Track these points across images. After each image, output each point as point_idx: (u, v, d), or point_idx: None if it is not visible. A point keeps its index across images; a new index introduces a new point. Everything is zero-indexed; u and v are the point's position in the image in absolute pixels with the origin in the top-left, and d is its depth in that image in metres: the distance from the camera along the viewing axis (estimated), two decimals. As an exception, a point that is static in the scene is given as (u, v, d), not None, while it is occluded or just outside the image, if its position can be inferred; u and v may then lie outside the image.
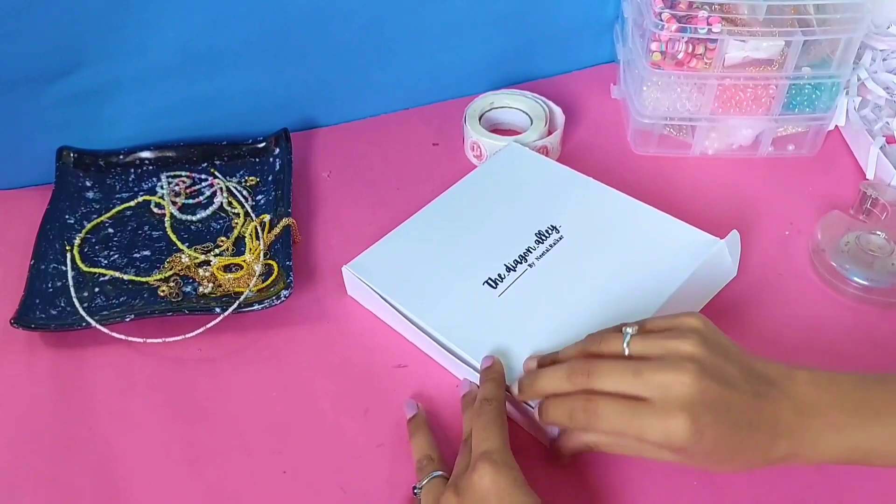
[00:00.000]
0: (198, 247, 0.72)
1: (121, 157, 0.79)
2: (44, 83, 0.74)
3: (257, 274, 0.68)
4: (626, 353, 0.50)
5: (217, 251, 0.71)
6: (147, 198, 0.76)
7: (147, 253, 0.72)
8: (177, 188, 0.77)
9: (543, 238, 0.67)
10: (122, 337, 0.64)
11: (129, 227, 0.74)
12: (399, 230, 0.70)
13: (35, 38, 0.70)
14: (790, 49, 0.73)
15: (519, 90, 0.85)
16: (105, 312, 0.66)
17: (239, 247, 0.72)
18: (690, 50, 0.74)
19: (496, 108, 0.84)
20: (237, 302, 0.65)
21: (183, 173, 0.79)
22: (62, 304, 0.67)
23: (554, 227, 0.68)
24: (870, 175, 0.78)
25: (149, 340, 0.64)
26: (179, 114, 0.80)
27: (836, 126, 0.83)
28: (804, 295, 0.68)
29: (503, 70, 0.88)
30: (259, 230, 0.71)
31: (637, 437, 0.49)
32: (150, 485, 0.57)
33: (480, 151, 0.80)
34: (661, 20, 0.72)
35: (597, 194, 0.71)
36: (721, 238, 0.65)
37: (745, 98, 0.77)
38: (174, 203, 0.76)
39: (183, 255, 0.70)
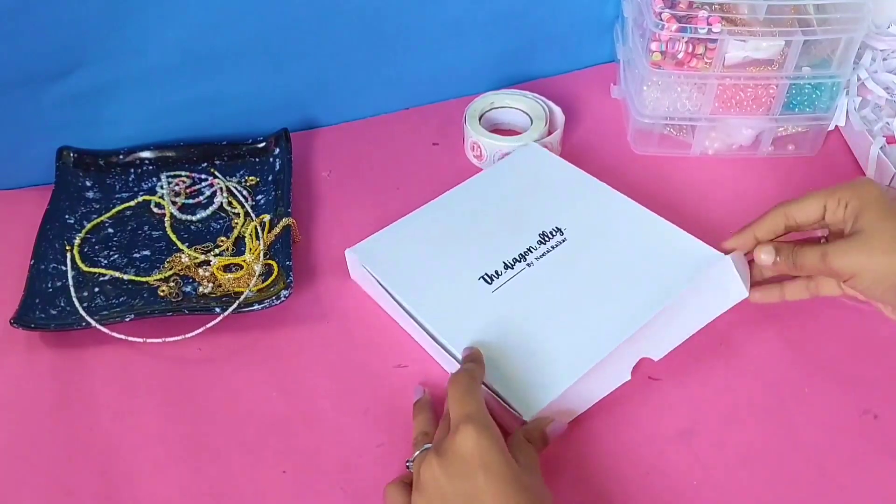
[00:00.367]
0: (198, 247, 0.72)
1: (121, 157, 0.79)
2: (44, 83, 0.74)
3: (257, 274, 0.68)
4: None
5: (217, 251, 0.71)
6: (147, 198, 0.76)
7: (147, 253, 0.72)
8: (177, 188, 0.77)
9: (546, 239, 0.67)
10: (122, 337, 0.64)
11: (129, 227, 0.74)
12: (406, 219, 0.70)
13: (35, 38, 0.70)
14: (790, 49, 0.73)
15: (519, 90, 0.84)
16: (105, 312, 0.66)
17: (239, 247, 0.72)
18: (691, 50, 0.74)
19: (496, 108, 0.84)
20: (237, 302, 0.65)
21: (183, 173, 0.79)
22: (62, 304, 0.67)
23: (558, 229, 0.68)
24: (870, 175, 0.78)
25: (149, 340, 0.64)
26: (179, 114, 0.80)
27: (837, 126, 0.83)
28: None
29: (503, 70, 0.88)
30: (259, 230, 0.71)
31: (824, 195, 0.59)
32: (150, 485, 0.57)
33: (480, 151, 0.80)
34: (662, 20, 0.72)
35: (607, 200, 0.70)
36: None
37: (745, 98, 0.77)
38: (174, 203, 0.76)
39: (183, 255, 0.70)
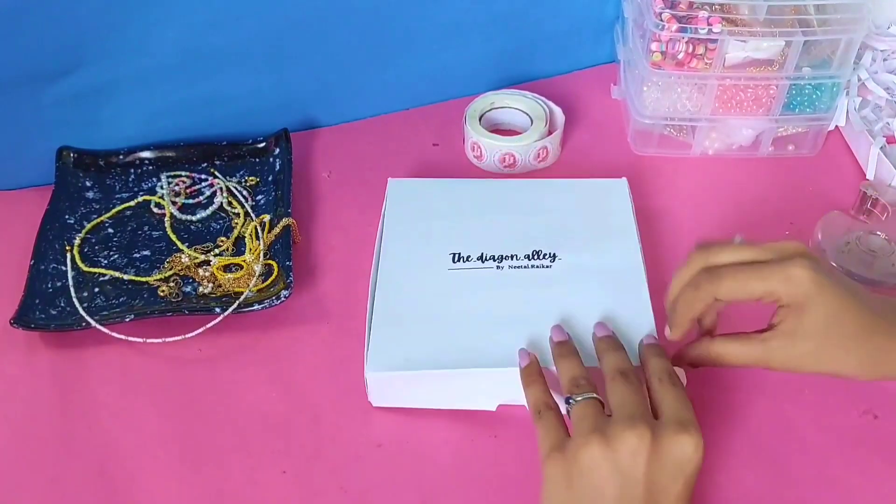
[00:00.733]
0: (198, 247, 0.72)
1: (121, 157, 0.79)
2: (44, 83, 0.74)
3: (257, 274, 0.68)
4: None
5: (217, 251, 0.71)
6: (147, 198, 0.76)
7: (147, 253, 0.72)
8: (177, 188, 0.77)
9: (534, 258, 0.66)
10: (122, 337, 0.64)
11: (129, 227, 0.74)
12: (454, 181, 0.74)
13: (35, 38, 0.70)
14: (790, 49, 0.73)
15: (519, 90, 0.84)
16: (105, 312, 0.66)
17: (239, 247, 0.72)
18: (691, 50, 0.74)
19: (496, 108, 0.84)
20: (237, 302, 0.65)
21: (183, 173, 0.79)
22: (62, 304, 0.67)
23: (552, 256, 0.66)
24: (870, 175, 0.78)
25: (149, 340, 0.63)
26: (179, 114, 0.80)
27: (837, 126, 0.83)
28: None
29: (503, 70, 0.88)
30: (259, 230, 0.71)
31: (761, 290, 0.51)
32: (150, 485, 0.57)
33: (480, 151, 0.80)
34: (662, 20, 0.72)
35: (625, 265, 0.65)
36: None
37: (745, 98, 0.77)
38: (174, 203, 0.76)
39: (183, 255, 0.70)
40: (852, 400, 0.61)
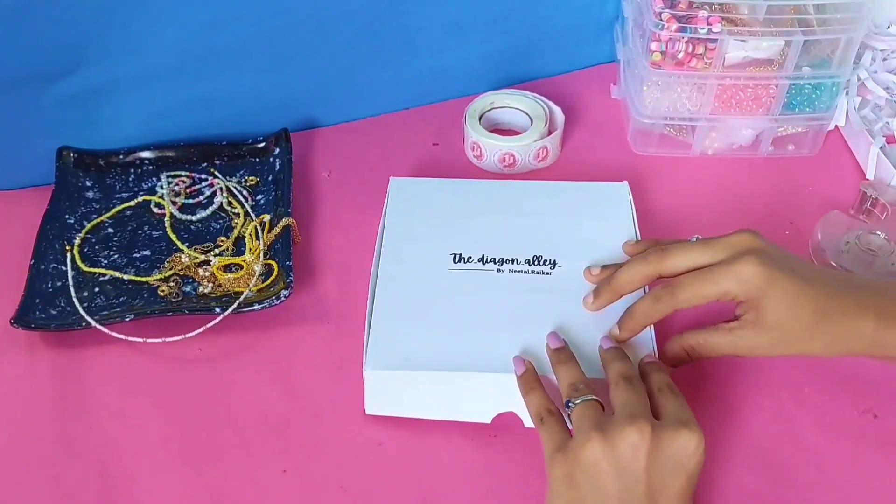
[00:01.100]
0: (198, 247, 0.72)
1: (121, 157, 0.79)
2: (44, 83, 0.74)
3: (257, 274, 0.68)
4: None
5: (217, 251, 0.71)
6: (147, 198, 0.76)
7: (147, 253, 0.72)
8: (177, 188, 0.77)
9: (535, 263, 0.66)
10: (122, 337, 0.64)
11: (129, 227, 0.74)
12: (456, 181, 0.74)
13: (35, 38, 0.70)
14: (790, 49, 0.73)
15: (519, 90, 0.84)
16: (105, 312, 0.66)
17: (239, 247, 0.72)
18: (690, 50, 0.74)
19: (496, 108, 0.84)
20: (237, 302, 0.65)
21: (183, 173, 0.79)
22: (62, 304, 0.67)
23: (553, 262, 0.66)
24: (870, 175, 0.78)
25: (149, 340, 0.64)
26: (179, 114, 0.80)
27: (836, 126, 0.83)
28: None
29: (503, 70, 0.88)
30: (259, 230, 0.71)
31: (715, 293, 0.54)
32: (150, 485, 0.57)
33: (480, 151, 0.80)
34: (661, 20, 0.72)
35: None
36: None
37: (745, 98, 0.77)
38: (174, 203, 0.76)
39: (183, 255, 0.70)
40: (852, 400, 0.61)
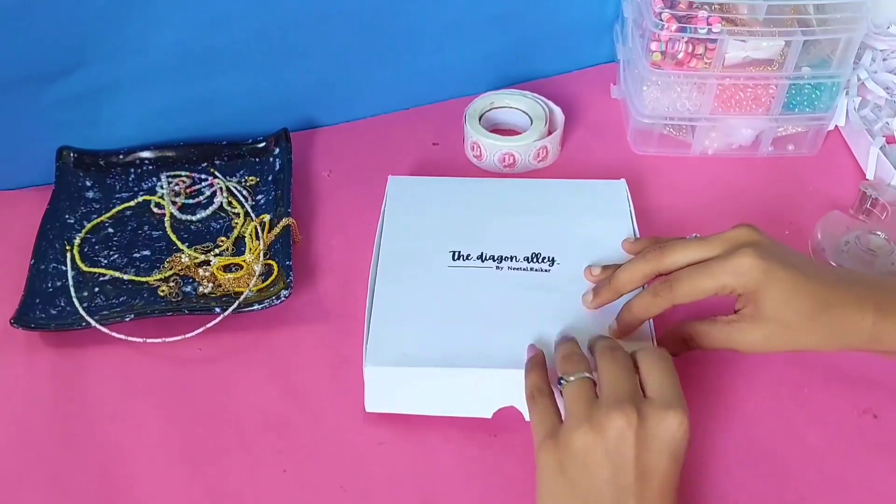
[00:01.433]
0: (198, 247, 0.72)
1: (121, 157, 0.79)
2: (44, 83, 0.74)
3: (257, 274, 0.68)
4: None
5: (217, 251, 0.71)
6: (147, 198, 0.76)
7: (147, 253, 0.72)
8: (177, 188, 0.77)
9: (534, 260, 0.66)
10: (122, 337, 0.64)
11: (129, 227, 0.74)
12: (454, 180, 0.74)
13: (35, 38, 0.70)
14: (790, 49, 0.73)
15: (519, 90, 0.84)
16: (105, 312, 0.66)
17: (239, 247, 0.72)
18: (690, 50, 0.74)
19: (496, 108, 0.84)
20: (237, 302, 0.65)
21: (183, 173, 0.79)
22: (62, 304, 0.67)
23: (552, 260, 0.66)
24: (870, 175, 0.78)
25: (149, 340, 0.64)
26: (179, 114, 0.80)
27: (836, 126, 0.83)
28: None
29: (503, 70, 0.88)
30: (259, 230, 0.71)
31: (714, 287, 0.54)
32: (150, 485, 0.57)
33: (480, 151, 0.80)
34: (661, 20, 0.72)
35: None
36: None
37: (745, 98, 0.77)
38: (174, 203, 0.76)
39: (183, 255, 0.70)
40: (852, 400, 0.61)
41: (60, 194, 0.75)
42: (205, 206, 0.76)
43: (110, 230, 0.74)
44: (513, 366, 0.58)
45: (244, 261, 0.69)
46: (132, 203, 0.76)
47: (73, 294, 0.67)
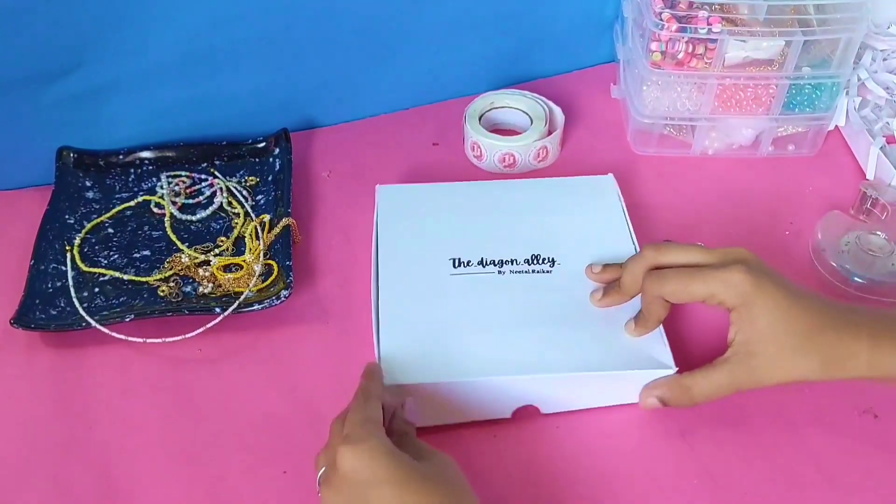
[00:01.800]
0: (198, 247, 0.72)
1: (121, 157, 0.79)
2: (44, 83, 0.74)
3: (257, 274, 0.68)
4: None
5: (217, 251, 0.71)
6: (147, 198, 0.76)
7: (147, 253, 0.72)
8: (177, 188, 0.77)
9: (534, 262, 0.66)
10: (122, 337, 0.64)
11: (129, 227, 0.74)
12: (443, 186, 0.73)
13: (35, 38, 0.70)
14: (790, 49, 0.73)
15: (519, 90, 0.84)
16: (105, 312, 0.66)
17: (239, 247, 0.72)
18: (690, 50, 0.74)
19: (496, 108, 0.84)
20: (237, 302, 0.65)
21: (183, 173, 0.79)
22: (62, 305, 0.67)
23: (552, 260, 0.66)
24: (870, 175, 0.78)
25: (149, 340, 0.63)
26: (179, 114, 0.80)
27: (837, 126, 0.83)
28: (804, 295, 0.68)
29: (503, 70, 0.88)
30: (259, 230, 0.71)
31: (702, 293, 0.55)
32: (150, 485, 0.57)
33: (480, 151, 0.80)
34: (661, 20, 0.72)
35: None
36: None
37: (745, 98, 0.77)
38: (174, 203, 0.76)
39: (183, 255, 0.70)
40: (852, 400, 0.61)
41: (60, 194, 0.75)
42: (205, 206, 0.76)
43: (110, 230, 0.74)
44: (530, 370, 0.58)
45: (244, 261, 0.69)
46: (132, 203, 0.76)
47: (73, 294, 0.67)
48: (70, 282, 0.68)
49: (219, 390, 0.63)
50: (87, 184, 0.78)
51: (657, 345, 0.60)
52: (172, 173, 0.79)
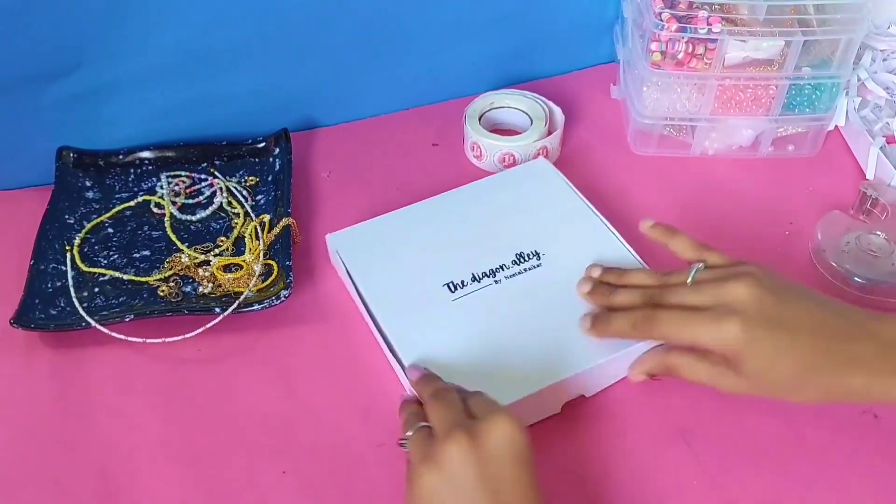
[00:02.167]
0: (198, 247, 0.72)
1: (121, 157, 0.79)
2: (44, 83, 0.74)
3: (257, 274, 0.68)
4: (690, 281, 0.57)
5: (217, 251, 0.71)
6: (147, 198, 0.76)
7: (147, 253, 0.72)
8: (177, 188, 0.77)
9: (521, 261, 0.66)
10: (122, 337, 0.64)
11: (129, 227, 0.74)
12: (392, 215, 0.71)
13: (35, 38, 0.70)
14: (790, 49, 0.73)
15: (519, 90, 0.84)
16: (105, 312, 0.66)
17: (239, 247, 0.72)
18: (690, 50, 0.74)
19: (496, 108, 0.84)
20: (237, 302, 0.65)
21: (183, 173, 0.79)
22: (62, 304, 0.67)
23: (536, 254, 0.66)
24: (870, 175, 0.78)
25: (148, 340, 0.63)
26: (179, 114, 0.80)
27: (836, 126, 0.83)
28: (804, 295, 0.68)
29: (503, 70, 0.88)
30: (259, 230, 0.71)
31: (691, 340, 0.54)
32: (149, 484, 0.57)
33: (480, 152, 0.80)
34: (661, 20, 0.72)
35: (598, 236, 0.68)
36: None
37: (745, 98, 0.77)
38: (174, 203, 0.76)
39: (183, 255, 0.70)
40: (852, 400, 0.61)
41: (60, 194, 0.75)
42: (205, 206, 0.76)
43: (110, 230, 0.74)
44: (579, 366, 0.58)
45: (244, 261, 0.69)
46: (132, 203, 0.76)
47: (72, 294, 0.67)
48: (70, 282, 0.68)
49: (218, 390, 0.63)
50: (87, 184, 0.78)
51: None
52: (172, 173, 0.79)
